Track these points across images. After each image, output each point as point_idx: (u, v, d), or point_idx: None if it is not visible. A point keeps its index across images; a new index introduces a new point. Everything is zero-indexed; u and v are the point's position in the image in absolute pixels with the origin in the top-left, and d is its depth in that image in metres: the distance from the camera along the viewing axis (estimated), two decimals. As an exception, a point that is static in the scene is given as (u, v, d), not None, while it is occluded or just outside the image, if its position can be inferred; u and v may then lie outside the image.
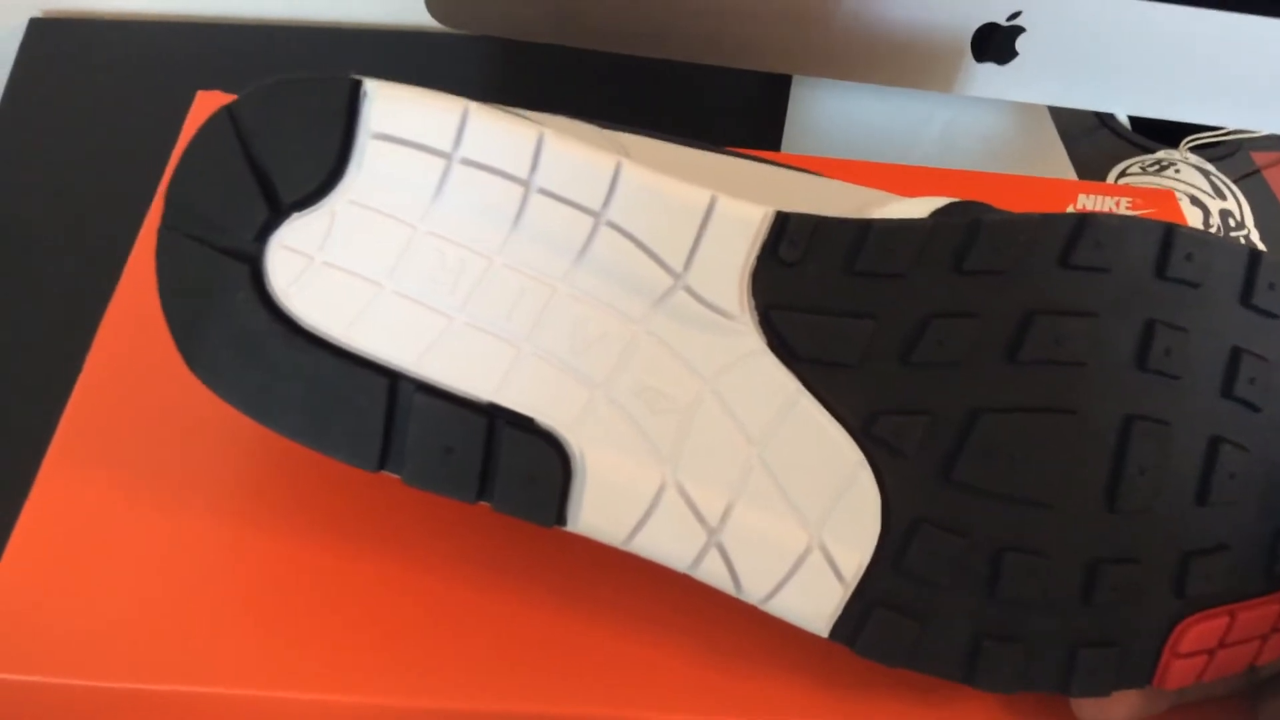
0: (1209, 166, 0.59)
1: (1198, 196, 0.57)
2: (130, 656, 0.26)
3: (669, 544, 0.25)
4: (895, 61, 0.50)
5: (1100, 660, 0.25)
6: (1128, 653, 0.25)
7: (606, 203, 0.24)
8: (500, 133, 0.24)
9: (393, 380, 0.25)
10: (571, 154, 0.24)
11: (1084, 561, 0.25)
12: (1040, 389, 0.24)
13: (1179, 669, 0.25)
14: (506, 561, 0.29)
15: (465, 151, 0.24)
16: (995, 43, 0.49)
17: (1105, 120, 0.64)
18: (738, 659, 0.28)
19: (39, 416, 0.31)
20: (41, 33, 0.59)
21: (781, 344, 0.24)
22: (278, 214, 0.24)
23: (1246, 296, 0.24)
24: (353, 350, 0.25)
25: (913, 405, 0.24)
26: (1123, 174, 0.60)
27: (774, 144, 0.57)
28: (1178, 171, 0.59)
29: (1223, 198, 0.58)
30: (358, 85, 0.24)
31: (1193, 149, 0.62)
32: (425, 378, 0.25)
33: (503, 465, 0.25)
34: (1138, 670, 0.25)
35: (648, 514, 0.25)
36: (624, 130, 0.29)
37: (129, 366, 0.31)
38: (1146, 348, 0.24)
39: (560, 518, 0.25)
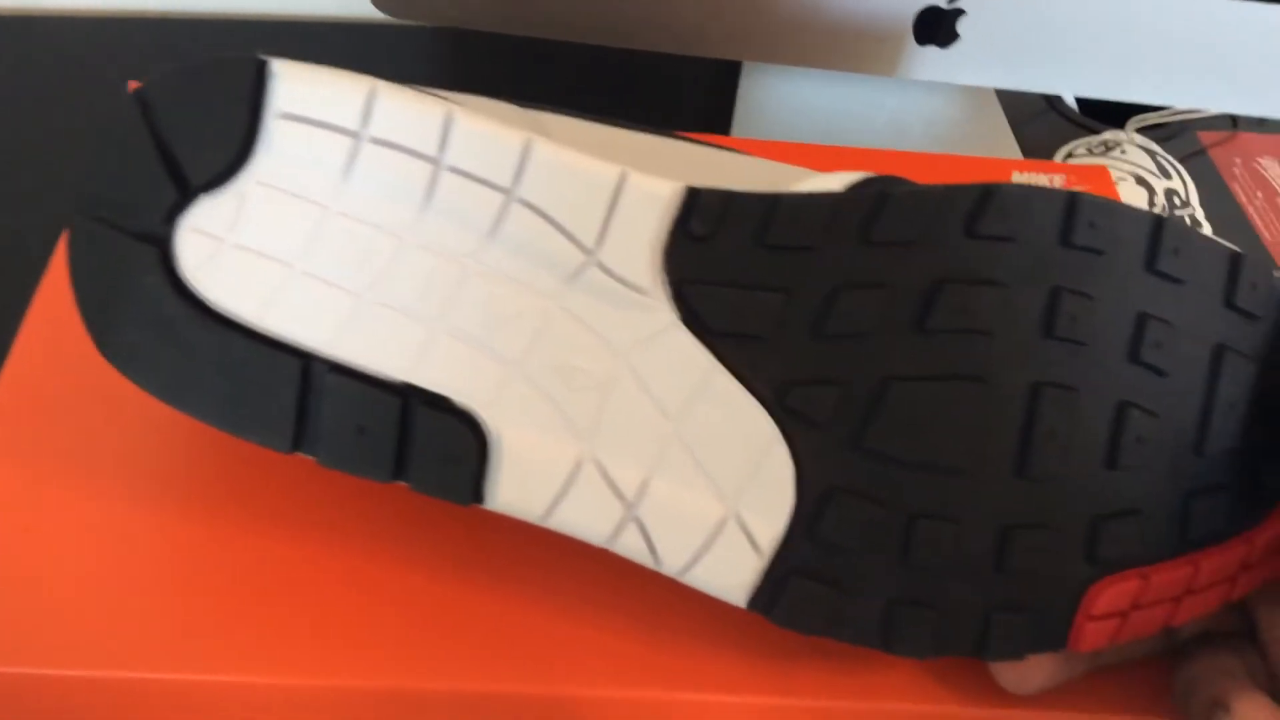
0: (1155, 147, 0.60)
1: (1143, 176, 0.58)
2: (73, 643, 0.26)
3: (587, 519, 0.25)
4: (839, 46, 0.50)
5: (1014, 624, 0.25)
6: (1041, 617, 0.26)
7: (517, 180, 0.24)
8: (409, 111, 0.24)
9: (305, 361, 0.25)
10: (481, 131, 0.24)
11: (996, 527, 0.25)
12: (949, 357, 0.24)
13: (1093, 631, 0.26)
14: (426, 541, 0.29)
15: (374, 130, 0.24)
16: (937, 26, 0.50)
17: (1052, 103, 0.65)
18: (662, 632, 0.28)
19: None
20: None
21: (695, 318, 0.25)
22: (186, 196, 0.24)
23: (1151, 262, 0.25)
24: (265, 332, 0.24)
25: (825, 376, 0.25)
26: (1069, 155, 0.60)
27: (724, 129, 0.57)
28: (1124, 152, 0.59)
29: (1168, 177, 0.59)
30: (264, 65, 0.24)
31: (1139, 130, 0.63)
32: (338, 358, 0.25)
33: (418, 445, 0.25)
34: (1052, 634, 0.26)
35: (565, 490, 0.25)
36: (544, 110, 0.29)
37: (54, 357, 0.31)
38: (1053, 315, 0.24)
39: (477, 496, 0.25)
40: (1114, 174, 0.56)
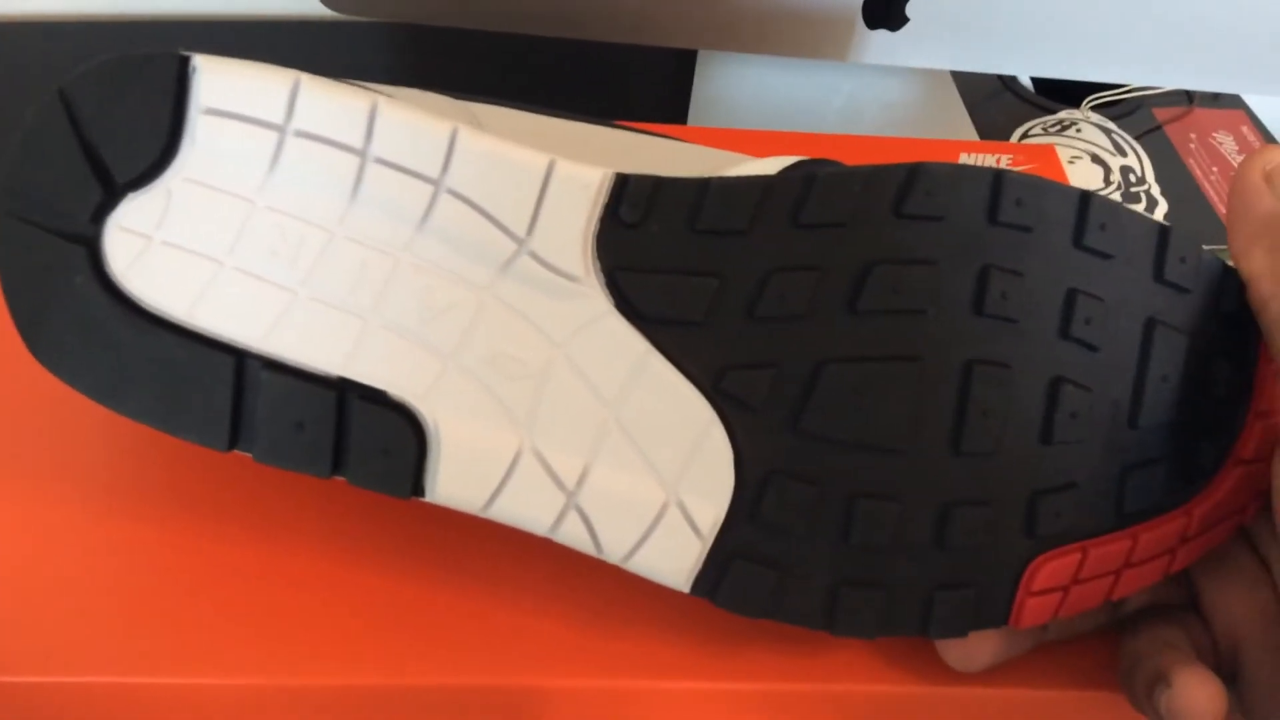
0: (1110, 125, 0.60)
1: (1099, 154, 0.58)
2: (47, 650, 0.26)
3: (527, 509, 0.25)
4: (791, 32, 0.50)
5: (956, 602, 0.26)
6: (983, 593, 0.26)
7: (445, 169, 0.24)
8: (333, 103, 0.24)
9: (239, 358, 0.24)
10: (406, 121, 0.24)
11: (935, 505, 0.25)
12: (882, 338, 0.25)
13: (1034, 607, 0.26)
14: (371, 536, 0.29)
15: (298, 123, 0.24)
16: (886, 9, 0.49)
17: (1008, 83, 0.65)
18: (615, 621, 0.28)
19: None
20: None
21: (628, 305, 0.25)
22: (113, 195, 0.24)
23: (1079, 238, 0.25)
24: (196, 330, 0.24)
25: (759, 359, 0.25)
26: (1025, 135, 0.60)
27: (680, 119, 0.57)
28: (1079, 130, 0.60)
29: (1124, 155, 0.59)
30: (186, 61, 0.24)
31: (1094, 108, 0.63)
32: (272, 354, 0.24)
33: (355, 439, 0.25)
34: (994, 610, 0.26)
35: (505, 480, 0.25)
36: (476, 100, 0.29)
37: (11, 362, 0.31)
38: (983, 293, 0.24)
39: (417, 489, 0.25)
40: (1070, 153, 0.56)
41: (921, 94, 0.59)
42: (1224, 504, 0.26)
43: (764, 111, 0.57)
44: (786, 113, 0.57)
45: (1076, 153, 0.58)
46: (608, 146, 0.28)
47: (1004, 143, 0.55)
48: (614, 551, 0.25)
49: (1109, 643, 0.29)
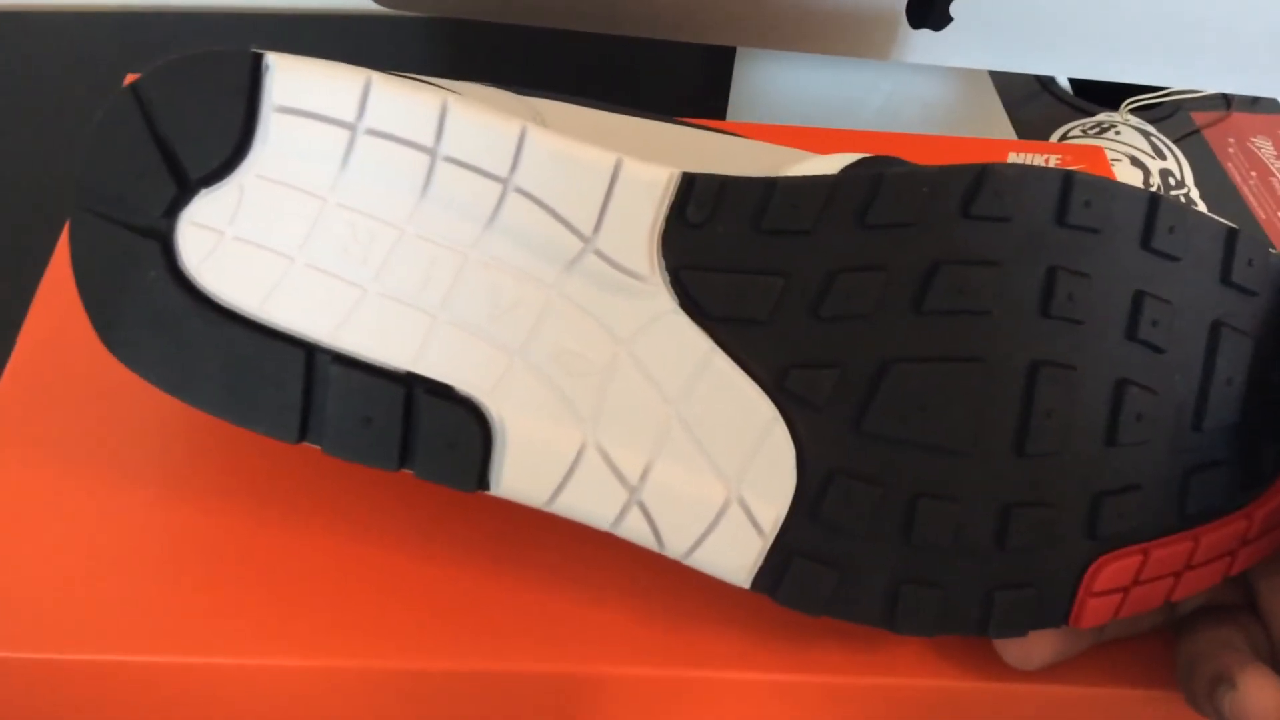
0: (1149, 127, 0.60)
1: (1138, 157, 0.58)
2: (81, 629, 0.26)
3: (591, 504, 0.25)
4: (832, 30, 0.50)
5: (1016, 602, 0.26)
6: (1043, 593, 0.26)
7: (513, 168, 0.24)
8: (404, 102, 0.24)
9: (309, 352, 0.25)
10: (476, 120, 0.24)
11: (997, 506, 0.25)
12: (947, 338, 0.25)
13: (1094, 607, 0.26)
14: (439, 525, 0.29)
15: (369, 122, 0.24)
16: (930, 8, 0.49)
17: (1046, 84, 0.65)
18: (673, 611, 0.28)
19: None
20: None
21: (693, 303, 0.25)
22: (186, 190, 0.24)
23: (1146, 240, 0.25)
24: (268, 324, 0.25)
25: (823, 359, 0.25)
26: (1064, 137, 0.60)
27: (719, 115, 0.57)
28: (1118, 133, 0.59)
29: (1163, 158, 0.59)
30: (259, 59, 0.24)
31: (1133, 110, 0.63)
32: (341, 349, 0.25)
33: (423, 433, 0.25)
34: (1054, 610, 0.26)
35: (569, 475, 0.25)
36: (540, 95, 0.29)
37: (59, 351, 0.31)
38: (1050, 294, 0.25)
39: (482, 482, 0.25)
40: (1109, 155, 0.56)
41: (960, 94, 0.59)
42: (1285, 507, 0.26)
43: (802, 109, 0.57)
44: (825, 111, 0.57)
45: (1116, 155, 0.57)
46: (669, 143, 0.29)
47: (1052, 143, 0.55)
48: (676, 547, 0.25)
49: (1165, 642, 0.29)
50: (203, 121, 0.24)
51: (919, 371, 0.25)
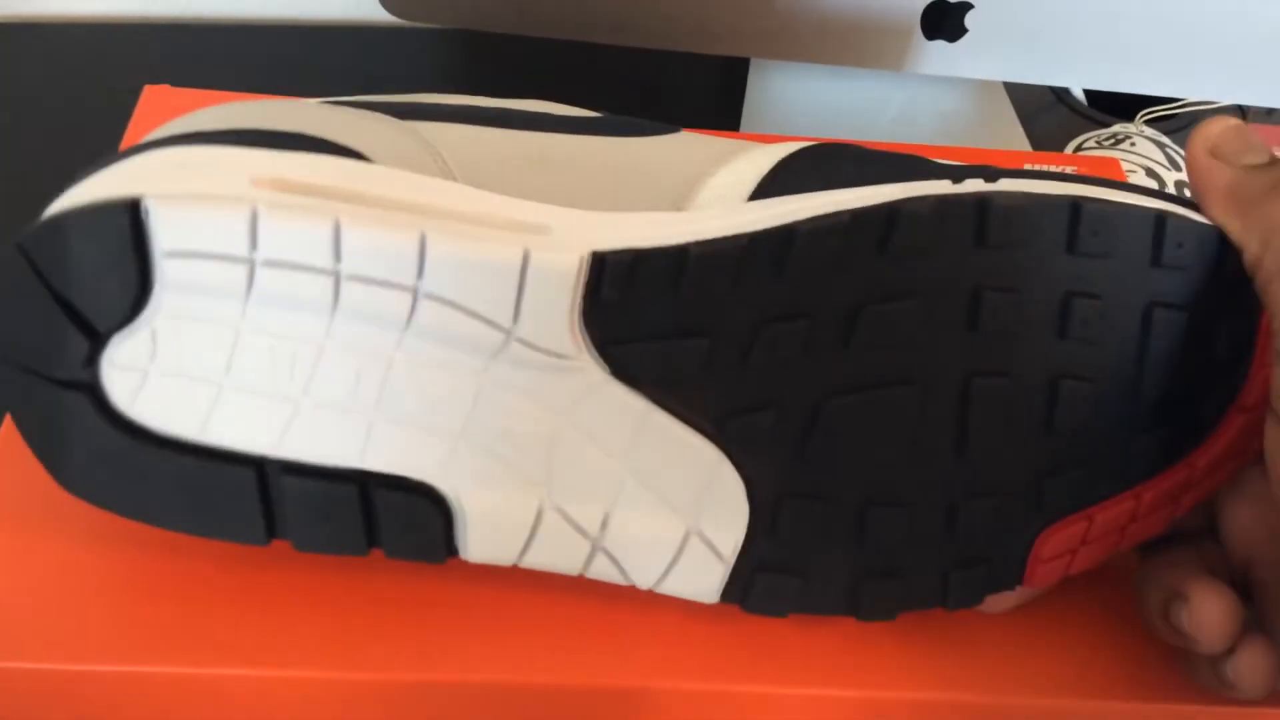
0: (1164, 139, 0.57)
1: (1153, 169, 0.55)
2: (74, 638, 0.27)
3: (557, 558, 0.26)
4: (846, 41, 0.49)
5: (971, 578, 0.27)
6: (995, 567, 0.27)
7: (419, 275, 0.24)
8: (294, 230, 0.23)
9: (258, 467, 0.25)
10: (372, 236, 0.23)
11: (944, 503, 0.26)
12: (877, 368, 0.25)
13: (1044, 572, 0.27)
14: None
15: (264, 253, 0.23)
16: (944, 20, 0.48)
17: (1061, 96, 0.63)
18: (719, 622, 0.29)
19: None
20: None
21: (623, 372, 0.25)
22: (98, 341, 0.24)
23: (1071, 246, 0.24)
24: (211, 447, 0.25)
25: (759, 403, 0.25)
26: (1079, 148, 0.59)
27: (733, 126, 0.56)
28: (1133, 144, 0.56)
29: (1178, 169, 0.56)
30: (136, 206, 0.23)
31: (1148, 122, 0.60)
32: (288, 458, 0.25)
33: (384, 522, 0.26)
34: (1006, 579, 0.27)
35: (531, 537, 0.26)
36: (431, 120, 0.28)
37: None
38: (975, 314, 0.24)
39: (451, 552, 0.26)
40: (1124, 167, 0.54)
41: (975, 105, 0.57)
42: (1227, 451, 0.27)
43: (816, 120, 0.56)
44: (839, 121, 0.56)
45: (1131, 166, 0.55)
46: (578, 162, 0.27)
47: (1068, 154, 0.53)
48: (643, 581, 0.27)
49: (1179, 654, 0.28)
50: (98, 276, 0.23)
51: (853, 402, 0.25)
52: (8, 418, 0.31)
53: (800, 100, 0.56)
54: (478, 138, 0.27)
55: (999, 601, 0.29)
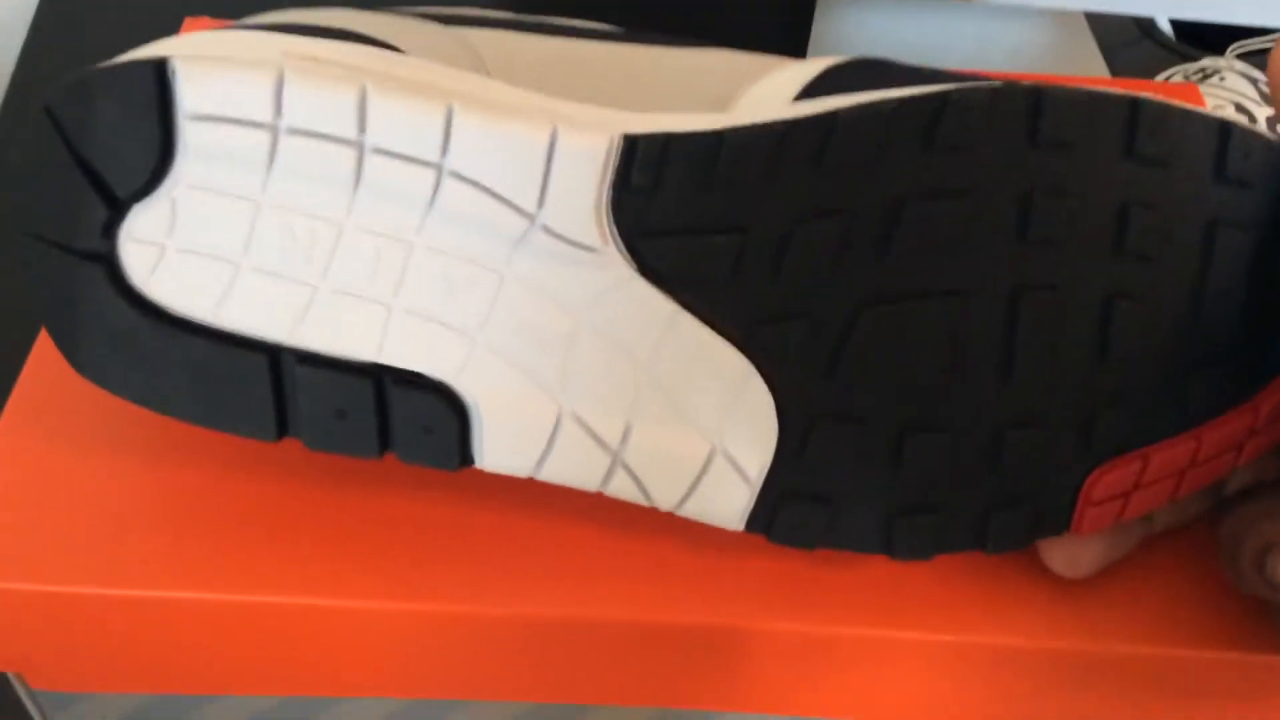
0: (1256, 73, 0.54)
1: (1244, 104, 0.53)
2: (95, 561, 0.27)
3: (575, 470, 0.25)
4: None
5: (1013, 519, 0.25)
6: (1041, 508, 0.25)
7: (444, 152, 0.23)
8: (320, 94, 0.23)
9: (273, 354, 0.24)
10: (398, 106, 0.23)
11: (987, 432, 0.25)
12: (919, 275, 0.23)
13: (1094, 516, 0.25)
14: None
15: (289, 120, 0.23)
16: None
17: (1147, 29, 0.60)
18: (811, 564, 0.28)
19: None
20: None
21: (651, 270, 0.24)
22: (118, 210, 0.24)
23: (1129, 149, 0.23)
24: (225, 330, 0.24)
25: (791, 310, 0.24)
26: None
27: (799, 56, 0.54)
28: (1223, 79, 0.54)
29: (1270, 105, 0.54)
30: (163, 67, 0.23)
31: (1239, 56, 0.57)
32: (303, 347, 0.24)
33: (398, 421, 0.25)
34: (1053, 523, 0.26)
35: (549, 446, 0.25)
36: (472, 26, 0.27)
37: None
38: (1026, 218, 0.23)
39: (465, 460, 0.25)
40: (1213, 101, 0.52)
41: (1053, 39, 0.55)
42: (1295, 395, 0.25)
43: (885, 54, 0.54)
44: (909, 55, 0.54)
45: (1220, 101, 0.52)
46: (619, 69, 0.27)
47: (1151, 81, 0.50)
48: (664, 502, 0.25)
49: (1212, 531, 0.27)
50: (121, 139, 0.23)
51: (891, 313, 0.24)
52: (43, 331, 0.31)
53: (868, 32, 0.54)
54: (520, 43, 0.27)
55: (1086, 551, 0.27)
